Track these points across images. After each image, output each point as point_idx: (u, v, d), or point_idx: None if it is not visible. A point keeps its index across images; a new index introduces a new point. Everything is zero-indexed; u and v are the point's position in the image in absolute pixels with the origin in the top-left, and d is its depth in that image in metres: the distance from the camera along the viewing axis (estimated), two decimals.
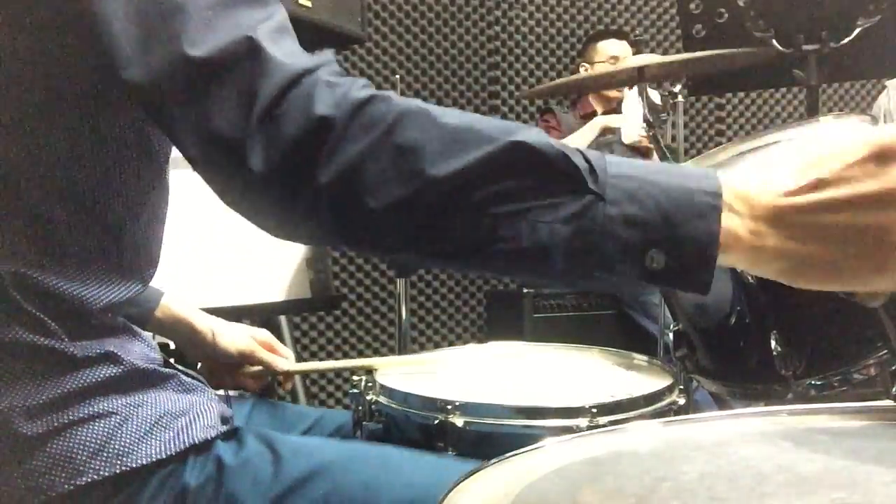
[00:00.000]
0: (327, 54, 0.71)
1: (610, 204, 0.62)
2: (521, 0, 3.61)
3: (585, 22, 3.70)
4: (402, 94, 3.34)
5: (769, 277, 0.64)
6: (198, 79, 0.67)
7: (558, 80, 3.28)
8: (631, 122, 2.85)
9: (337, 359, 3.35)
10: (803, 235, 0.62)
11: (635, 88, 2.76)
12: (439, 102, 3.49)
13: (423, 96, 3.48)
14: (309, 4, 1.85)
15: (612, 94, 3.16)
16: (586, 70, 3.22)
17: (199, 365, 1.25)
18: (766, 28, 1.92)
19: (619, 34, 3.31)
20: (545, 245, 0.63)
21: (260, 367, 1.25)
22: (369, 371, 1.17)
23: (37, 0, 0.72)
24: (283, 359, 1.27)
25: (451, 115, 0.66)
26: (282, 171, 0.66)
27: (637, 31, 3.62)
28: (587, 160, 0.64)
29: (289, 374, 1.29)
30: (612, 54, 3.16)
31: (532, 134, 0.65)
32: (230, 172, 0.68)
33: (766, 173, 0.63)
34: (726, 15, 2.01)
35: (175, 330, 1.19)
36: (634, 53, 3.11)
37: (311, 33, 2.03)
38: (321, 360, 3.32)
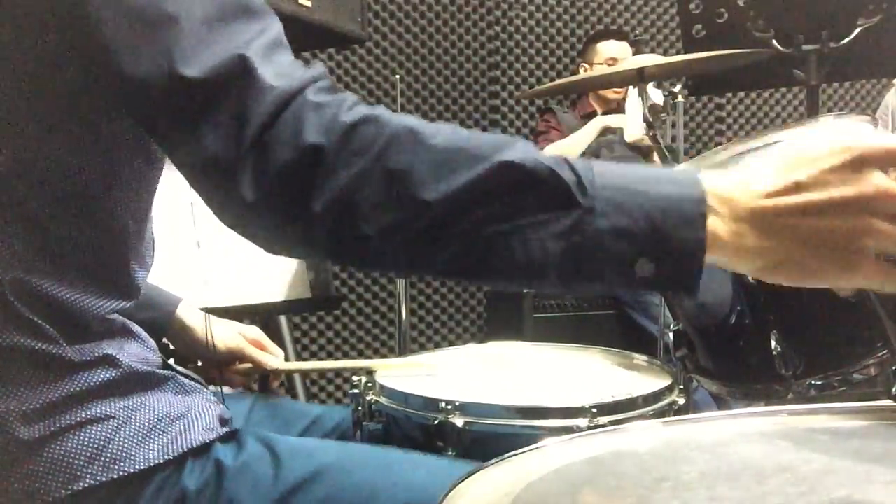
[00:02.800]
0: (318, 67, 0.70)
1: (599, 216, 0.63)
2: (521, 0, 3.61)
3: (585, 22, 3.69)
4: (402, 94, 3.34)
5: (747, 274, 0.68)
6: (190, 100, 0.66)
7: (558, 81, 3.28)
8: (634, 120, 2.85)
9: (337, 359, 3.34)
10: (780, 236, 0.64)
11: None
12: (439, 102, 3.49)
13: (424, 96, 3.47)
14: (309, 4, 1.85)
15: (612, 94, 3.16)
16: (586, 70, 3.22)
17: (199, 363, 1.25)
18: (766, 28, 1.92)
19: (620, 35, 3.31)
20: (538, 260, 0.65)
21: (249, 365, 1.25)
22: (370, 371, 1.17)
23: (30, 3, 0.71)
24: (273, 357, 1.27)
25: (441, 135, 0.66)
26: (273, 199, 0.66)
27: (637, 32, 3.62)
28: (575, 172, 0.65)
29: (277, 373, 1.29)
30: (612, 55, 3.15)
31: (520, 151, 0.65)
32: (222, 196, 0.69)
33: (748, 173, 0.65)
34: (726, 15, 2.01)
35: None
36: (634, 54, 3.10)
37: (311, 33, 2.03)
38: (321, 360, 3.32)
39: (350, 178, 0.64)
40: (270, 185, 0.65)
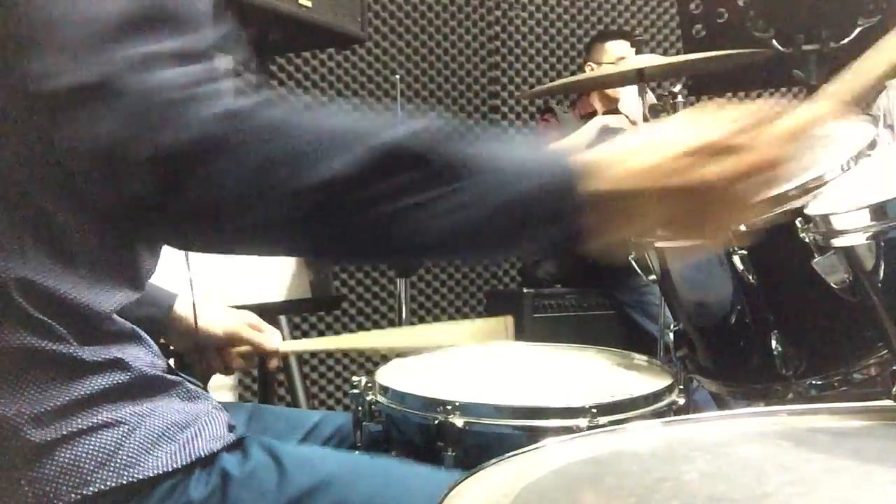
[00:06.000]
0: (216, 62, 0.69)
1: (484, 193, 0.66)
2: (522, 0, 3.61)
3: (585, 22, 3.69)
4: (402, 94, 3.34)
5: (633, 235, 0.73)
6: (57, 107, 0.66)
7: (559, 81, 3.27)
8: (635, 113, 2.88)
9: (337, 359, 3.34)
10: (660, 193, 0.69)
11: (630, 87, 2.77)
12: (439, 102, 3.49)
13: (424, 96, 3.47)
14: (309, 4, 1.85)
15: (615, 93, 3.16)
16: (592, 70, 3.22)
17: (199, 355, 1.26)
18: (766, 28, 1.92)
19: (625, 34, 3.31)
20: (430, 238, 0.67)
21: (248, 348, 1.25)
22: (369, 372, 1.17)
23: None
24: (270, 337, 1.28)
25: (318, 120, 0.66)
26: (142, 195, 0.65)
27: (637, 31, 3.62)
28: (458, 150, 0.66)
29: (276, 353, 1.30)
30: (620, 55, 3.15)
31: (401, 131, 0.66)
32: (93, 193, 0.69)
33: (619, 147, 0.72)
34: (726, 15, 2.01)
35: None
36: (636, 53, 3.11)
37: (311, 33, 2.03)
38: (321, 359, 3.32)
39: (225, 168, 0.63)
40: (141, 182, 0.64)
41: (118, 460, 0.79)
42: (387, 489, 0.87)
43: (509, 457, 0.66)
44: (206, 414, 0.88)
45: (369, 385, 1.11)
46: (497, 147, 0.70)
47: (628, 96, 2.91)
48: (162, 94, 0.65)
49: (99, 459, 0.78)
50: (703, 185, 0.70)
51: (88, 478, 0.77)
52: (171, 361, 1.39)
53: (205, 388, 0.97)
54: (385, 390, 1.09)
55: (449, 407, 1.00)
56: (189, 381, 0.92)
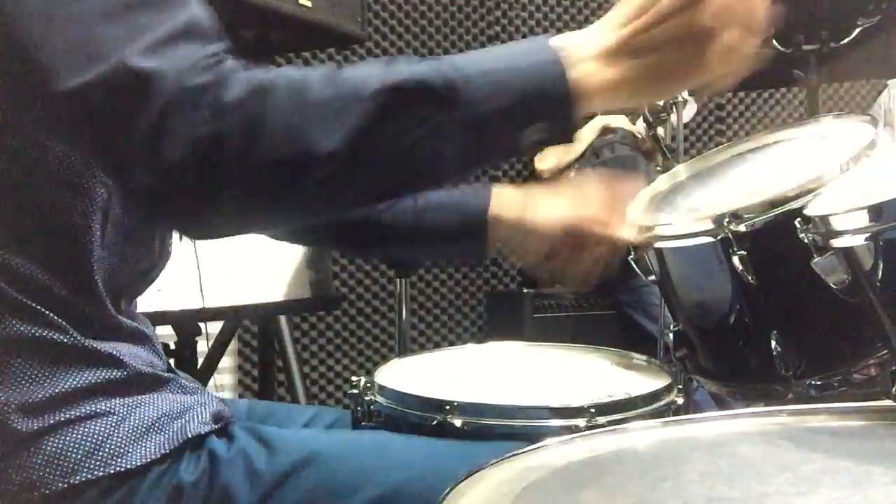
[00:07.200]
0: (209, 46, 0.70)
1: (481, 104, 0.69)
2: (521, 0, 3.61)
3: (586, 22, 3.69)
4: None
5: (628, 104, 0.78)
6: (80, 111, 0.68)
7: None
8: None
9: (337, 359, 3.34)
10: (638, 54, 0.70)
11: None
12: None
13: None
14: (309, 4, 1.85)
15: None
16: None
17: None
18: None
19: None
20: (441, 161, 0.73)
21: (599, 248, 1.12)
22: (368, 372, 1.17)
23: None
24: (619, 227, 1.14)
25: (321, 85, 0.69)
26: (181, 194, 0.68)
27: None
28: (444, 75, 0.69)
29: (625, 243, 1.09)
30: None
31: (392, 72, 0.69)
32: (136, 200, 0.75)
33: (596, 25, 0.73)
34: None
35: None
36: None
37: (311, 33, 2.03)
38: (321, 360, 3.32)
39: (253, 155, 0.67)
40: (173, 182, 0.67)
41: (106, 450, 0.79)
42: (377, 460, 0.88)
43: (509, 457, 0.66)
44: (199, 404, 0.89)
45: (368, 385, 1.11)
46: (484, 55, 0.72)
47: None
48: (192, 77, 0.66)
49: (87, 449, 0.79)
50: (695, 25, 0.68)
51: (76, 467, 0.78)
52: (172, 361, 1.40)
53: (203, 385, 0.98)
54: (384, 390, 1.09)
55: (448, 407, 0.99)
56: (184, 378, 0.93)
